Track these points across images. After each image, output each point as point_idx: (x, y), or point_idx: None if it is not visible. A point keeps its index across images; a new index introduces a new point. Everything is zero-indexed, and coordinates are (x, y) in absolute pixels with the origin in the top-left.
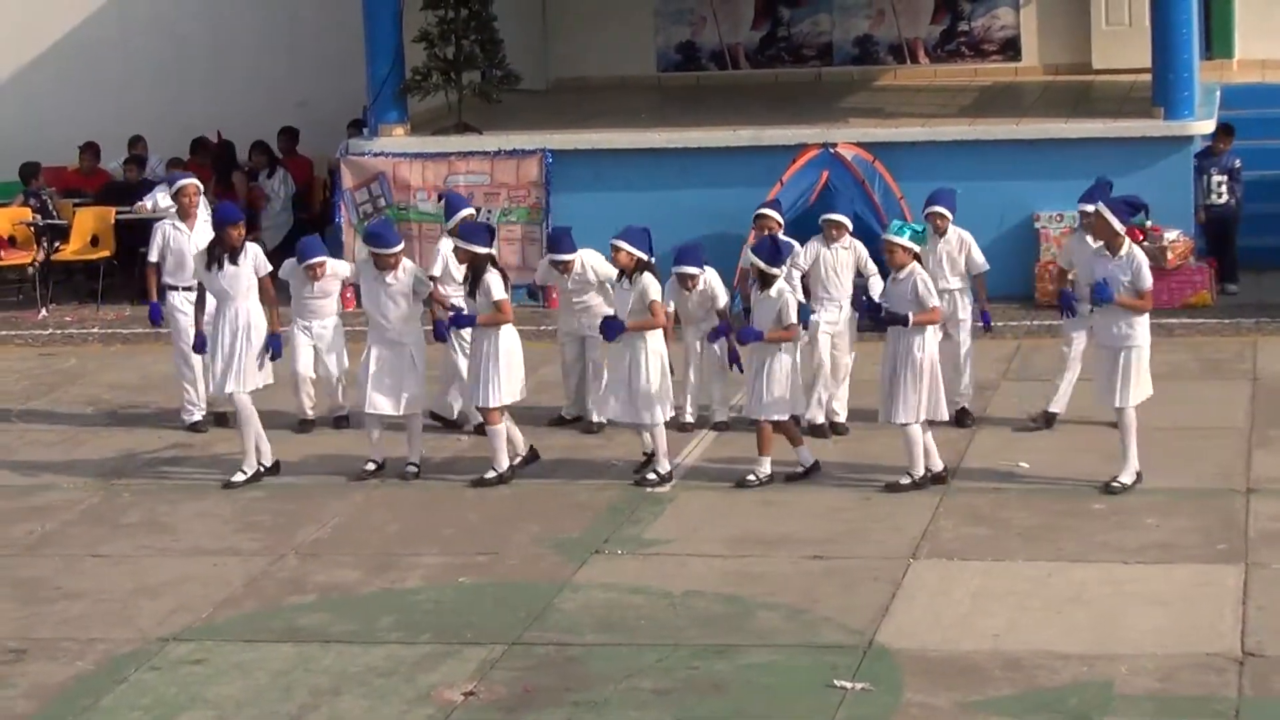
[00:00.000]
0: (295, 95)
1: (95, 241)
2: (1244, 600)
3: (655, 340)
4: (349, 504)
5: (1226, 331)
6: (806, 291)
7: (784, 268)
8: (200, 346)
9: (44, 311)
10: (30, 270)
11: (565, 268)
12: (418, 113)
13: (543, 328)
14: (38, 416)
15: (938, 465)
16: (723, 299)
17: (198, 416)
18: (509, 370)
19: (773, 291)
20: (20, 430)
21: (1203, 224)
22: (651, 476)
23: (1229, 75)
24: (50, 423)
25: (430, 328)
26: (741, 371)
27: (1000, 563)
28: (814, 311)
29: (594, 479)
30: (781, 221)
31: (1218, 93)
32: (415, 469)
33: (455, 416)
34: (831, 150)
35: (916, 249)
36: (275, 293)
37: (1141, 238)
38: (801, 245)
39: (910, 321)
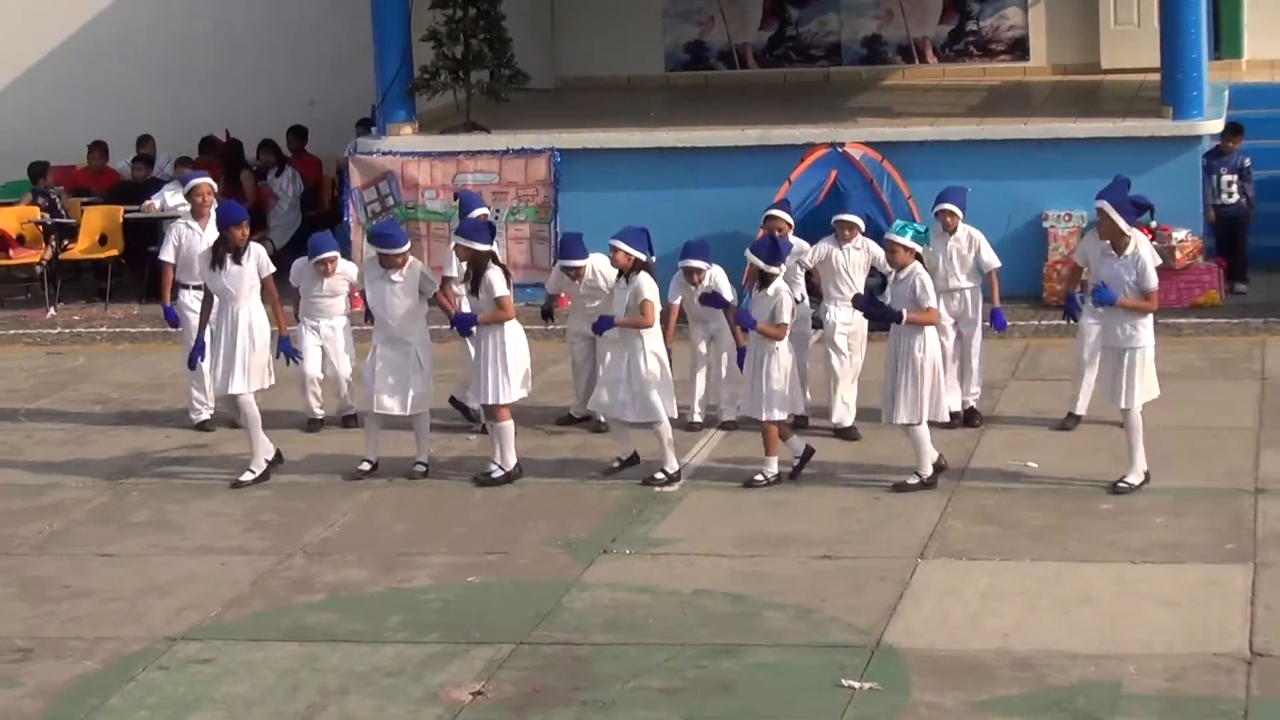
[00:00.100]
0: (303, 94)
1: (103, 240)
2: (1252, 600)
3: (653, 340)
4: (357, 503)
5: (1235, 331)
6: (813, 290)
7: (782, 267)
8: (194, 361)
9: (52, 310)
10: (38, 269)
11: (577, 274)
12: (426, 112)
13: (550, 327)
14: (46, 416)
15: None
16: (728, 295)
17: (205, 415)
18: (515, 368)
19: (770, 290)
20: (28, 429)
21: (1212, 223)
22: (659, 476)
23: (1238, 75)
24: (58, 422)
25: (448, 327)
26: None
27: (1008, 562)
28: (814, 309)
29: (602, 478)
30: (791, 222)
31: (1226, 92)
32: (424, 468)
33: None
34: (840, 150)
35: (918, 249)
36: (278, 295)
37: (1151, 238)
38: (810, 245)
39: (903, 318)
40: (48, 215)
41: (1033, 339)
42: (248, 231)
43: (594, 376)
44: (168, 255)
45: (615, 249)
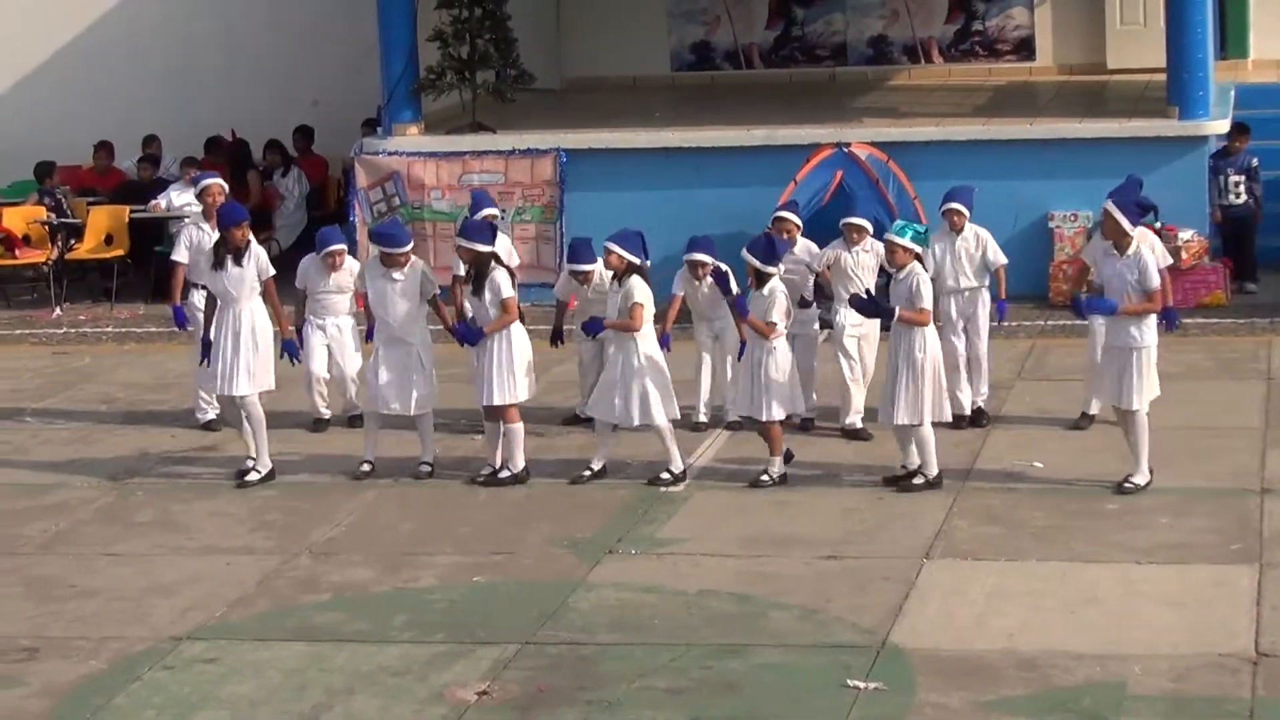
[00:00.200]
0: (309, 94)
1: (109, 240)
2: (1258, 600)
3: (646, 342)
4: (362, 503)
5: (1241, 331)
6: (818, 289)
7: (780, 266)
8: (206, 352)
9: (58, 310)
10: (45, 269)
11: (585, 278)
12: (432, 112)
13: (559, 348)
14: (51, 415)
15: (913, 463)
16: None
17: (211, 415)
18: (522, 368)
19: (765, 290)
20: (34, 429)
21: (1218, 224)
22: (665, 476)
23: (1244, 75)
24: (64, 421)
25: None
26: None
27: (1014, 563)
28: (824, 311)
29: (608, 478)
30: (800, 224)
31: (1232, 92)
32: (429, 468)
33: None
34: (845, 150)
35: (918, 249)
36: (279, 296)
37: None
38: (816, 244)
39: (895, 315)
40: (54, 215)
41: (1039, 339)
42: (248, 233)
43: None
44: (180, 256)
45: (609, 251)
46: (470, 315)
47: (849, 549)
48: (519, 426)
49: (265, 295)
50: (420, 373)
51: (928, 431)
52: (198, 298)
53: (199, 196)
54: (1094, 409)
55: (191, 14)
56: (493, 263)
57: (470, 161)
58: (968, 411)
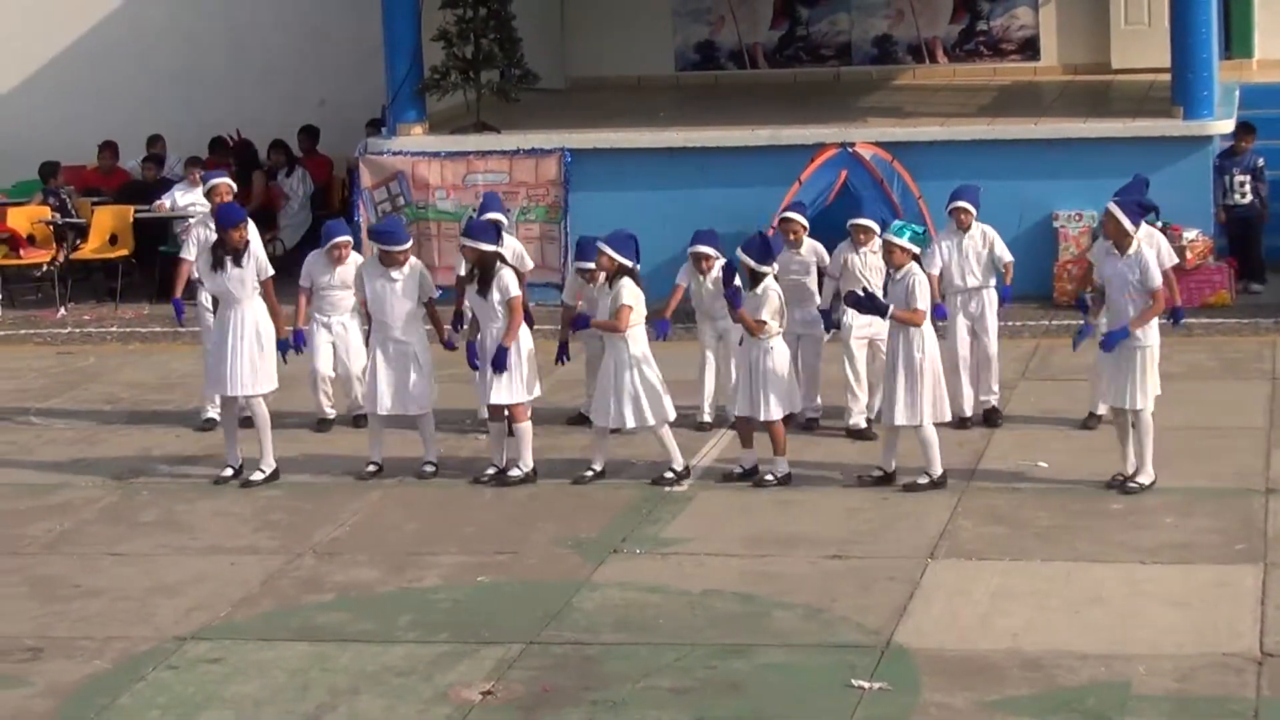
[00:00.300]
0: (314, 94)
1: (114, 240)
2: (1262, 600)
3: (637, 344)
4: (366, 503)
5: (1245, 331)
6: (835, 295)
7: (774, 265)
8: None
9: (63, 310)
10: (49, 269)
11: (591, 276)
12: (436, 112)
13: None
14: (56, 415)
15: (890, 466)
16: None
17: (211, 414)
18: (530, 367)
19: (759, 289)
20: (38, 429)
21: (1223, 223)
22: (668, 475)
23: (1249, 75)
24: (68, 421)
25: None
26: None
27: (1018, 562)
28: (831, 312)
29: (612, 478)
30: (806, 225)
31: (1237, 92)
32: (433, 468)
33: None
34: (850, 150)
35: (915, 250)
36: (276, 298)
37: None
38: (819, 244)
39: (888, 312)
40: (58, 215)
41: (1043, 339)
42: (246, 234)
43: None
44: (188, 254)
45: (600, 252)
46: (470, 316)
47: (853, 549)
48: (527, 425)
49: (263, 296)
50: (419, 373)
51: (929, 432)
52: (205, 296)
53: (208, 195)
54: (1101, 409)
55: (196, 14)
56: (498, 262)
57: (475, 161)
58: (968, 413)
